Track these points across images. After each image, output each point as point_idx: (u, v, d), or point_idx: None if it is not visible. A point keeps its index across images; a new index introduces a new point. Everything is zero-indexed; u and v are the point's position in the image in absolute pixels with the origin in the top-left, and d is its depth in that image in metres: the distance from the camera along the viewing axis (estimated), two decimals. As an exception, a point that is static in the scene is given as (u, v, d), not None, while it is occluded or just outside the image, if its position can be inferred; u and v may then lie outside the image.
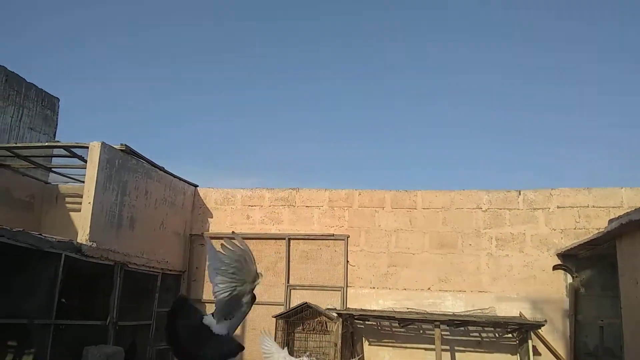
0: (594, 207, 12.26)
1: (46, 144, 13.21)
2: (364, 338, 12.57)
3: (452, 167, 40.19)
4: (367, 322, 12.40)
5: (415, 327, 12.17)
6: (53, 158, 13.26)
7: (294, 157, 46.18)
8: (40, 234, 9.55)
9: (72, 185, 14.07)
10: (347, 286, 12.84)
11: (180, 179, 13.80)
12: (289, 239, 13.37)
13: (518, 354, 11.56)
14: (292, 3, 44.98)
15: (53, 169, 13.76)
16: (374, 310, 11.84)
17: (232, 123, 47.34)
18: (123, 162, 11.49)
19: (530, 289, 12.03)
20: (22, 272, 9.14)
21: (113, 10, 42.47)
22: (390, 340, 12.45)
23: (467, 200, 12.80)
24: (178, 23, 45.22)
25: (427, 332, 12.00)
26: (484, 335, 12.07)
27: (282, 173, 42.78)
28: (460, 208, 12.78)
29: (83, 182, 11.17)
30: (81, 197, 10.96)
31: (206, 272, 13.30)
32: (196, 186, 14.49)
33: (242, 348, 4.47)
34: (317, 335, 12.49)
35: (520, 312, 11.66)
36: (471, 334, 12.08)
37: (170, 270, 13.15)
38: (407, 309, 12.08)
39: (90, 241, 10.30)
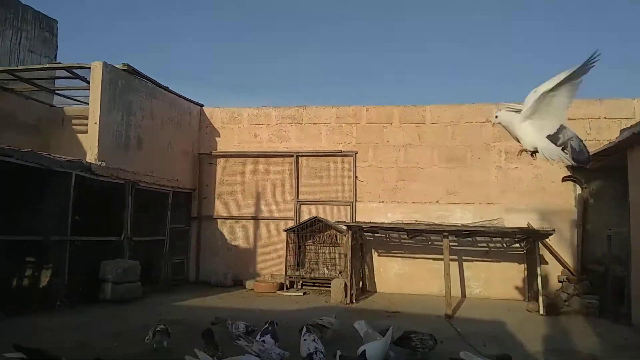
0: (605, 118, 12.07)
1: (47, 65, 12.97)
2: (373, 250, 12.81)
3: (462, 80, 39.60)
4: (376, 235, 12.59)
5: (424, 238, 12.35)
6: (56, 80, 13.11)
7: (299, 75, 45.56)
8: (49, 154, 9.58)
9: (77, 107, 14.00)
10: (356, 201, 12.94)
11: (185, 98, 13.65)
12: (297, 156, 13.36)
13: (525, 263, 11.76)
14: None
15: (57, 91, 13.66)
16: (383, 223, 11.98)
17: (236, 42, 46.43)
18: (126, 82, 11.33)
19: (539, 201, 12.07)
20: (35, 192, 9.25)
21: None
22: (399, 252, 12.69)
23: (477, 113, 12.62)
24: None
25: (436, 243, 12.18)
26: (491, 245, 12.25)
27: (288, 92, 42.36)
28: (469, 122, 12.63)
29: (87, 103, 11.09)
30: (87, 118, 10.92)
31: (217, 190, 13.48)
32: (202, 105, 14.35)
33: None
34: (328, 247, 12.75)
35: (528, 222, 11.75)
36: (479, 245, 12.26)
37: (180, 188, 13.27)
38: (416, 221, 12.21)
39: (99, 160, 10.34)
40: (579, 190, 11.87)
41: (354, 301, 10.85)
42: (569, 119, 11.73)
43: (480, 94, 42.37)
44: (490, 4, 40.52)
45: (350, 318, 8.19)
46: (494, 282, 12.08)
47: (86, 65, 10.80)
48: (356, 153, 13.08)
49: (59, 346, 6.21)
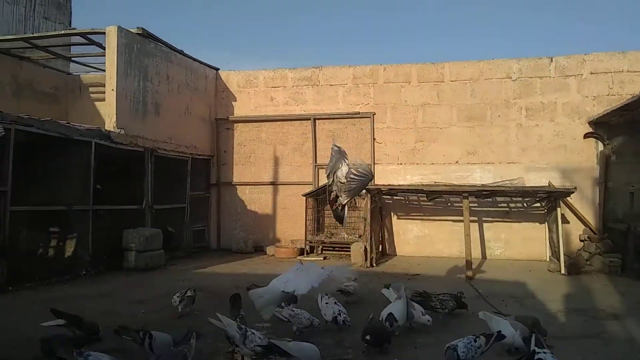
0: (628, 71, 11.74)
1: (62, 32, 12.90)
2: (392, 213, 12.81)
3: (481, 36, 38.73)
4: (395, 197, 12.57)
5: (443, 200, 12.30)
6: (72, 47, 13.07)
7: (314, 36, 44.91)
8: (68, 123, 9.63)
9: (94, 75, 13.99)
10: (374, 163, 12.86)
11: (200, 62, 13.54)
12: (314, 119, 13.26)
13: (546, 222, 11.68)
14: None
15: (73, 59, 13.63)
16: (402, 185, 11.92)
17: (249, 3, 45.76)
18: (141, 46, 11.25)
19: (560, 159, 11.90)
20: (55, 162, 9.33)
21: None
22: (418, 214, 12.67)
23: (497, 70, 12.35)
24: None
25: (455, 204, 12.13)
26: (512, 205, 12.17)
27: (303, 54, 41.82)
28: (489, 78, 12.38)
29: (104, 70, 11.06)
30: (104, 86, 10.91)
31: (235, 156, 13.49)
32: (217, 69, 14.24)
33: None
34: (347, 211, 12.71)
35: (549, 181, 11.62)
36: (499, 205, 12.19)
37: (199, 155, 13.31)
38: (435, 182, 12.14)
39: (117, 128, 10.37)
40: (601, 146, 11.66)
41: (374, 264, 10.92)
42: (591, 72, 11.66)
43: (500, 49, 41.48)
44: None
45: (370, 281, 8.28)
46: (515, 243, 12.05)
47: (101, 31, 10.72)
48: (374, 114, 12.94)
49: (85, 314, 6.36)
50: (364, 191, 11.52)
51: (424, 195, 12.01)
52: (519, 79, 12.19)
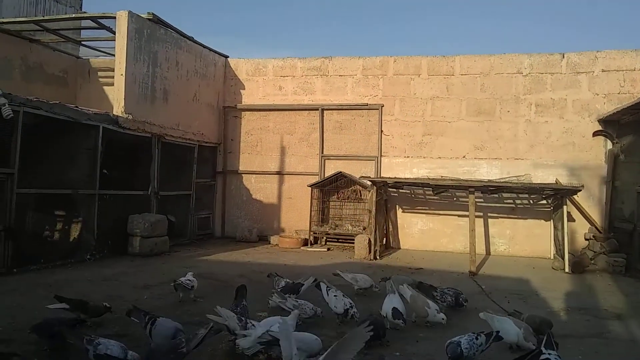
0: (640, 70, 11.66)
1: (73, 15, 12.92)
2: (397, 206, 12.79)
3: (492, 30, 38.43)
4: (400, 190, 12.55)
5: (449, 194, 12.27)
6: (82, 31, 13.07)
7: (325, 26, 44.72)
8: (77, 107, 9.65)
9: (103, 59, 14.01)
10: (381, 156, 12.84)
11: (210, 49, 13.51)
12: (322, 110, 13.23)
13: (552, 220, 11.63)
14: None
15: (83, 42, 13.64)
16: (408, 178, 11.90)
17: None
18: (151, 31, 11.23)
19: (568, 156, 11.84)
20: (63, 145, 9.35)
21: None
22: (423, 208, 12.64)
23: (508, 64, 12.26)
24: None
25: (461, 199, 12.11)
26: (518, 202, 12.12)
27: (314, 44, 41.65)
28: (499, 73, 12.29)
29: (113, 55, 11.06)
30: (113, 70, 10.92)
31: (241, 144, 13.49)
32: (226, 57, 14.21)
33: None
34: (352, 203, 12.76)
35: (556, 178, 11.56)
36: (505, 201, 12.14)
37: (206, 142, 13.32)
38: (441, 177, 12.10)
39: (125, 113, 10.38)
40: (609, 145, 11.59)
41: (378, 257, 10.91)
42: (603, 70, 11.57)
43: (511, 43, 41.17)
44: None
45: (374, 274, 8.27)
46: (520, 239, 12.02)
47: (112, 15, 10.71)
48: (382, 106, 12.89)
49: (90, 298, 6.40)
50: (369, 182, 11.55)
51: (430, 189, 11.98)
52: (530, 74, 12.11)
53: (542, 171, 11.88)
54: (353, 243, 11.32)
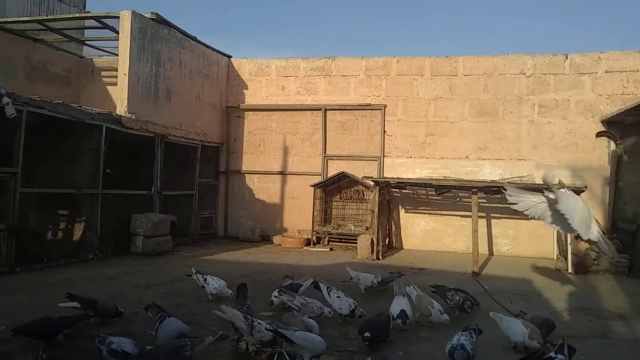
0: (644, 71, 11.63)
1: (77, 15, 12.94)
2: (400, 206, 12.78)
3: (495, 31, 38.40)
4: (403, 191, 12.54)
5: (452, 194, 12.27)
6: (85, 30, 13.10)
7: (328, 26, 44.74)
8: (80, 106, 9.66)
9: (106, 59, 14.03)
10: (383, 156, 12.84)
11: (213, 49, 13.52)
12: (325, 110, 13.23)
13: (555, 220, 11.59)
14: None
15: (86, 42, 13.67)
16: (411, 179, 11.89)
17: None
18: (155, 31, 11.25)
19: (571, 157, 11.83)
20: (66, 144, 9.36)
21: None
22: (426, 208, 12.64)
23: (511, 65, 12.25)
24: None
25: (464, 199, 12.10)
26: (521, 202, 12.08)
27: (317, 43, 41.65)
28: (502, 74, 12.28)
29: (117, 54, 11.09)
30: (116, 70, 10.93)
31: (244, 144, 13.50)
32: (230, 57, 14.22)
33: None
34: (355, 203, 12.76)
35: (559, 179, 11.51)
36: (508, 201, 12.08)
37: (209, 142, 13.33)
38: (444, 177, 12.09)
39: (128, 113, 10.39)
40: (613, 146, 11.57)
41: (380, 257, 10.91)
42: (606, 71, 11.54)
43: (515, 42, 41.14)
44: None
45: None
46: (523, 240, 12.01)
47: (115, 15, 10.73)
48: (385, 107, 12.89)
49: (93, 297, 6.42)
50: (372, 183, 11.54)
51: (433, 189, 11.97)
52: (533, 75, 12.09)
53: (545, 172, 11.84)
54: (356, 243, 11.32)
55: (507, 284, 8.56)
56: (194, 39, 12.72)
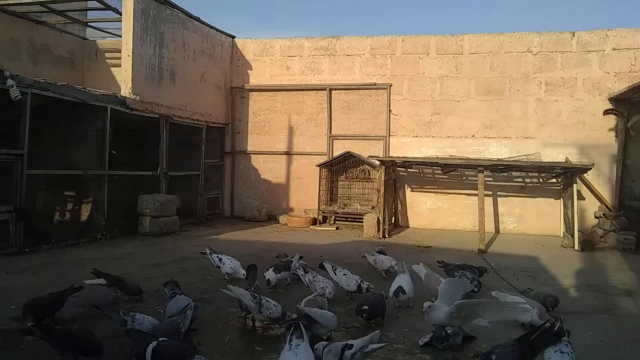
0: (652, 48, 11.49)
1: (79, -4, 12.88)
2: (406, 185, 12.77)
3: (501, 8, 37.92)
4: (409, 170, 12.52)
5: (458, 173, 12.24)
6: (88, 12, 13.04)
7: (333, 5, 44.31)
8: (84, 88, 9.65)
9: (110, 40, 13.98)
10: (389, 135, 12.79)
11: (216, 29, 13.43)
12: (330, 90, 13.16)
13: (562, 198, 11.59)
14: None
15: (89, 24, 13.60)
16: (417, 158, 11.85)
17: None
18: (158, 12, 11.17)
19: (579, 135, 11.75)
20: (71, 126, 9.39)
21: None
22: (432, 187, 12.62)
23: (517, 43, 12.12)
24: None
25: (470, 178, 12.07)
26: (527, 180, 12.08)
27: (321, 23, 41.26)
28: (509, 52, 12.16)
29: (120, 36, 11.03)
30: (120, 51, 10.89)
31: (249, 125, 13.49)
32: (233, 37, 14.13)
33: None
34: (360, 182, 12.76)
35: (566, 157, 11.49)
36: (514, 180, 12.10)
37: (214, 123, 13.31)
38: (450, 156, 12.05)
39: (133, 94, 10.38)
40: (620, 123, 11.49)
41: (387, 236, 10.93)
42: (613, 48, 11.42)
43: (521, 22, 40.63)
44: None
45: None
46: (529, 218, 11.99)
47: (117, -5, 10.69)
48: (390, 86, 12.81)
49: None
50: (377, 162, 11.52)
51: (439, 168, 11.95)
52: (540, 53, 11.97)
53: (552, 150, 11.80)
54: (362, 222, 11.34)
55: (513, 261, 8.57)
56: (197, 19, 12.63)
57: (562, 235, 11.17)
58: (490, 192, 11.99)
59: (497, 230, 12.08)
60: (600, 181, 11.53)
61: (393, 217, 12.28)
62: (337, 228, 12.14)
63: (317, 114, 13.34)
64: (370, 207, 12.09)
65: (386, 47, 12.94)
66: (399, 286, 5.35)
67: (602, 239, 10.62)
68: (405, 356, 4.18)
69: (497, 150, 12.15)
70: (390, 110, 12.81)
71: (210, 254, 6.54)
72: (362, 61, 13.11)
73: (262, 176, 13.77)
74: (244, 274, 5.96)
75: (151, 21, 10.95)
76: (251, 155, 13.89)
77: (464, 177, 12.28)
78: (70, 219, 9.58)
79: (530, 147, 11.93)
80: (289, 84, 13.54)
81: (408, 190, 12.77)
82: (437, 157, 11.80)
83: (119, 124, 9.90)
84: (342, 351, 3.48)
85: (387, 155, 12.44)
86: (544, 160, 11.53)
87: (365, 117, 13.02)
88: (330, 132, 13.16)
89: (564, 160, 11.35)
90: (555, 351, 3.58)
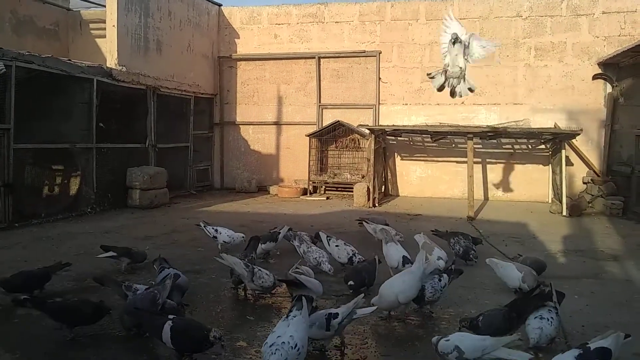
0: (642, 12, 11.43)
1: (60, -36, 12.58)
2: (396, 153, 12.79)
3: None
4: (399, 138, 12.52)
5: (448, 141, 12.25)
6: (71, -19, 12.76)
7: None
8: (69, 60, 9.51)
9: (94, 11, 13.67)
10: (379, 104, 12.74)
11: (202, -3, 13.21)
12: (319, 58, 13.03)
13: (550, 164, 11.66)
14: None
15: (72, -7, 13.31)
16: (406, 126, 11.84)
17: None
18: (142, -20, 10.96)
19: (568, 100, 11.76)
20: (58, 99, 9.25)
21: None
22: (422, 155, 12.65)
23: (507, 7, 12.01)
24: None
25: (459, 145, 12.09)
26: (516, 147, 12.12)
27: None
28: (499, 17, 12.06)
29: (104, 5, 10.83)
30: (105, 22, 10.70)
31: (238, 95, 13.39)
32: (220, 5, 13.90)
33: None
34: (350, 152, 12.77)
35: (555, 123, 11.52)
36: (504, 147, 12.13)
37: (202, 94, 13.20)
38: (440, 123, 12.03)
39: (119, 65, 10.24)
40: (609, 88, 11.49)
41: (377, 205, 10.99)
42: (603, 12, 11.35)
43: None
44: None
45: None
46: (518, 184, 12.08)
47: (99, -38, 10.45)
48: (380, 53, 12.70)
49: (93, 250, 6.48)
50: (367, 131, 11.49)
51: (429, 136, 11.95)
52: (530, 17, 11.88)
53: (541, 116, 11.82)
54: (352, 191, 11.38)
55: (502, 227, 8.67)
56: (183, -14, 12.40)
57: (550, 201, 11.27)
58: (479, 160, 12.03)
59: (486, 198, 12.17)
60: (589, 147, 11.59)
61: (383, 186, 12.33)
62: (327, 198, 12.18)
63: (306, 83, 13.24)
64: (360, 176, 12.11)
65: (375, 14, 12.79)
66: (404, 255, 5.31)
67: (590, 205, 10.73)
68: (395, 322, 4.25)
69: (486, 117, 12.15)
70: (379, 78, 12.73)
71: (204, 227, 6.54)
72: (351, 28, 12.96)
73: (251, 147, 13.72)
74: (242, 237, 6.07)
75: (135, -10, 10.74)
76: (240, 126, 13.81)
77: (453, 145, 12.30)
78: (60, 193, 9.54)
79: (520, 113, 11.94)
80: (277, 53, 13.39)
81: (398, 159, 12.79)
82: (427, 125, 11.78)
83: (106, 96, 9.79)
84: (327, 322, 3.48)
85: (376, 124, 12.40)
86: (533, 126, 11.55)
87: (354, 86, 12.94)
88: (320, 102, 13.08)
89: (553, 126, 11.38)
90: (535, 317, 3.65)
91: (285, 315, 3.27)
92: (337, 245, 5.73)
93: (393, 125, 11.79)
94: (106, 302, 3.96)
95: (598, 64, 11.50)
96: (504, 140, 11.98)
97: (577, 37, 11.67)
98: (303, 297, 3.35)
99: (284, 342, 2.98)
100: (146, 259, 5.66)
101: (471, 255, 6.03)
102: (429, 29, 12.42)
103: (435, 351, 3.31)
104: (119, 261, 5.54)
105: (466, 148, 10.31)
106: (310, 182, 12.62)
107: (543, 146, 11.89)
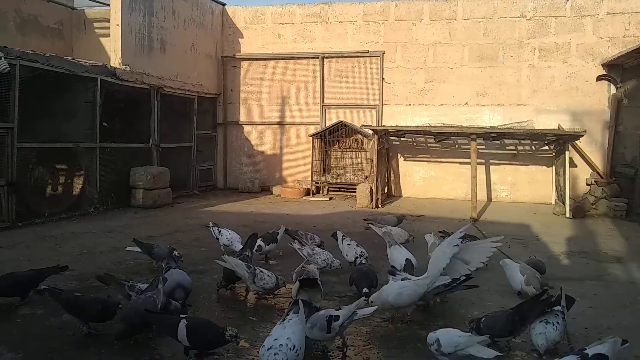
0: (646, 13, 11.40)
1: (65, -37, 12.62)
2: (399, 154, 12.77)
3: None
4: (402, 139, 12.50)
5: (451, 142, 12.23)
6: (75, -20, 12.78)
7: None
8: (73, 59, 9.52)
9: (98, 10, 13.73)
10: (382, 104, 12.73)
11: (206, -3, 13.22)
12: (323, 58, 13.03)
13: (554, 166, 11.63)
14: None
15: (76, -8, 13.34)
16: (410, 126, 11.83)
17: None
18: (146, -21, 10.97)
19: (571, 101, 11.73)
20: (61, 98, 9.26)
21: None
22: (425, 156, 12.63)
23: (511, 8, 11.98)
24: None
25: (463, 146, 12.07)
26: (520, 148, 12.10)
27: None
28: (503, 17, 12.03)
29: (108, 4, 10.85)
30: (109, 21, 10.72)
31: (241, 95, 13.38)
32: (224, 4, 13.90)
33: None
34: (353, 152, 12.75)
35: (559, 124, 11.49)
36: (507, 148, 12.11)
37: (205, 94, 13.20)
38: (443, 124, 12.02)
39: (123, 65, 10.25)
40: (613, 89, 11.47)
41: (380, 205, 10.98)
42: (607, 13, 11.32)
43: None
44: None
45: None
46: (521, 186, 12.06)
47: (104, -38, 10.47)
48: (383, 53, 12.69)
49: (96, 249, 6.50)
50: (370, 131, 11.48)
51: (432, 136, 11.94)
52: (534, 18, 11.86)
53: (545, 117, 11.79)
54: (355, 192, 11.37)
55: (505, 229, 8.61)
56: (186, -14, 12.42)
57: (553, 202, 11.25)
58: (482, 161, 12.01)
59: (490, 199, 12.15)
60: (592, 148, 11.57)
61: (386, 187, 12.31)
62: (330, 198, 12.17)
63: (310, 83, 13.24)
64: (363, 177, 12.11)
65: (379, 13, 12.78)
66: (407, 258, 5.25)
67: (594, 206, 10.70)
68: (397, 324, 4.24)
69: (489, 118, 12.13)
70: (383, 79, 12.72)
71: (212, 227, 6.53)
72: (354, 28, 12.95)
73: (254, 147, 13.73)
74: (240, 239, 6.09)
75: (139, -11, 10.76)
76: (243, 126, 13.81)
77: (456, 146, 12.28)
78: (63, 192, 9.55)
79: (523, 114, 11.92)
80: (280, 53, 13.39)
81: (401, 160, 12.78)
82: (430, 126, 11.78)
83: (110, 96, 9.80)
84: (328, 324, 3.47)
85: (380, 125, 12.39)
86: (536, 127, 11.53)
87: (358, 86, 12.93)
88: (323, 102, 13.08)
89: (557, 128, 11.35)
90: (540, 321, 3.63)
91: (282, 319, 3.27)
92: (348, 244, 5.78)
93: (396, 126, 11.78)
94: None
95: (602, 65, 11.47)
96: (507, 142, 11.96)
97: (581, 38, 11.64)
98: (300, 301, 3.37)
99: (281, 345, 3.00)
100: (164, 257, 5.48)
101: None
102: (433, 29, 12.41)
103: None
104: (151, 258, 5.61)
105: (469, 149, 10.29)
106: (313, 183, 12.62)
107: (546, 147, 11.86)
